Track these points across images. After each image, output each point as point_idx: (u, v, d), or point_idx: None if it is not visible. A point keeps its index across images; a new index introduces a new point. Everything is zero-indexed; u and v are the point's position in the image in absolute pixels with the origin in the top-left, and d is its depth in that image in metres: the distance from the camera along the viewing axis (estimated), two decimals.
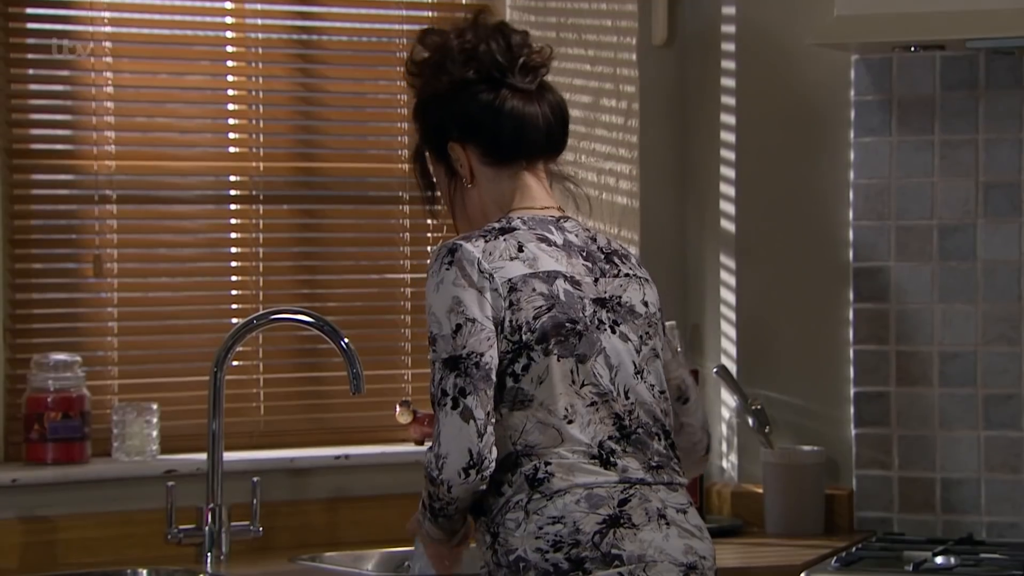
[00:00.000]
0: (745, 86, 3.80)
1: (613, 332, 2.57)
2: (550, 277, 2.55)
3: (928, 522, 3.67)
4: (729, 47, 3.82)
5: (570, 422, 2.51)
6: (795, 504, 3.65)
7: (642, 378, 2.59)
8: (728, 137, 3.82)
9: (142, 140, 3.58)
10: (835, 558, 3.34)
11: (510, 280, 2.52)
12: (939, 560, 3.31)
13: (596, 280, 2.60)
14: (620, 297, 2.61)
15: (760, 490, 3.71)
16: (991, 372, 3.64)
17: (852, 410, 3.73)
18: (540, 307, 2.52)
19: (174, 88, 3.60)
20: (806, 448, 3.71)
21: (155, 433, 3.46)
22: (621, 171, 3.87)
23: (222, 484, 3.31)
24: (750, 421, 3.72)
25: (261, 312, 3.43)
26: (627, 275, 2.63)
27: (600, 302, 2.58)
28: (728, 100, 3.82)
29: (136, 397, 3.50)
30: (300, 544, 3.45)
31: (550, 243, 2.58)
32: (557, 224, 2.61)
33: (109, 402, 3.49)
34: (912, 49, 3.58)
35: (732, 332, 3.81)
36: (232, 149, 3.66)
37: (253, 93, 3.68)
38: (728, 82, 3.82)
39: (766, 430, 3.72)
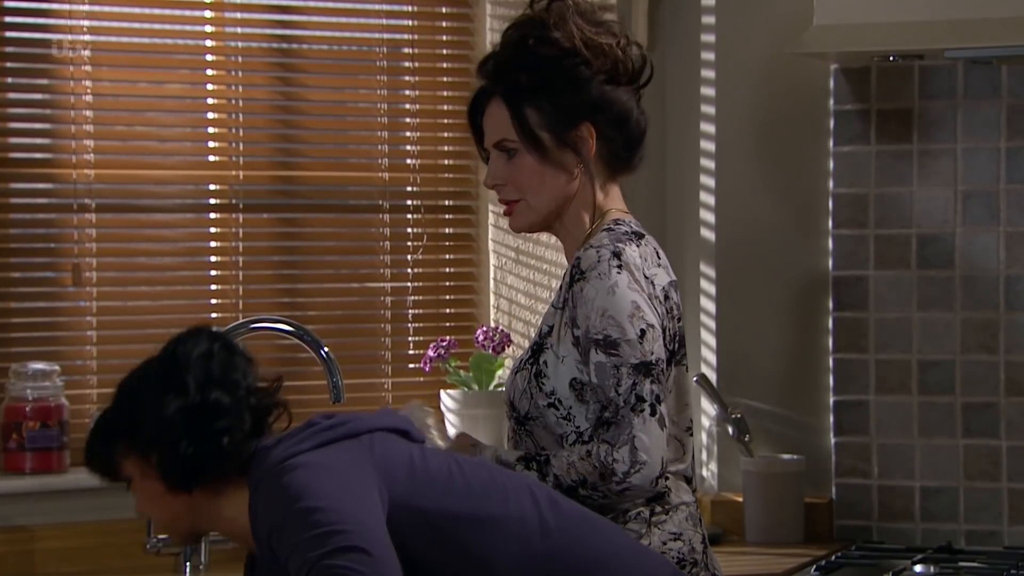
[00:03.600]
0: (725, 95, 3.80)
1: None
2: (675, 285, 2.57)
3: (907, 531, 3.67)
4: (709, 56, 3.82)
5: (692, 434, 2.58)
6: (775, 513, 3.65)
7: None
8: (708, 145, 3.83)
9: (121, 149, 3.57)
10: (815, 567, 3.35)
11: (663, 288, 2.52)
12: (918, 569, 3.32)
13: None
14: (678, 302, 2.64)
15: (740, 499, 3.71)
16: (970, 380, 3.64)
17: (832, 419, 3.74)
18: (676, 316, 2.55)
19: (153, 96, 3.59)
20: (786, 457, 3.72)
21: None
22: None
23: None
24: (730, 430, 3.73)
25: (241, 321, 3.42)
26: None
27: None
28: (708, 108, 3.82)
29: None
30: None
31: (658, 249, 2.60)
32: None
33: (88, 411, 3.47)
34: (891, 59, 3.59)
35: (712, 341, 3.81)
36: (212, 158, 3.65)
37: (233, 102, 3.67)
38: (708, 91, 3.82)
39: (746, 439, 3.72)
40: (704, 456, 3.84)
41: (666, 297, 2.51)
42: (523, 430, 2.55)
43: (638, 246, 2.51)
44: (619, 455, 2.43)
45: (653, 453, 2.43)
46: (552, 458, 2.47)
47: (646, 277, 2.49)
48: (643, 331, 2.45)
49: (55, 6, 3.48)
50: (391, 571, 2.11)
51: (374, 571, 2.09)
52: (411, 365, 3.77)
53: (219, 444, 2.26)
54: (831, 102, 3.74)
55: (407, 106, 3.81)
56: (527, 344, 2.68)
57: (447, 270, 3.85)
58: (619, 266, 2.47)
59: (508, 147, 2.57)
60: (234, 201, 3.65)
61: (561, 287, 2.54)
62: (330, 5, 3.74)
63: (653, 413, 2.44)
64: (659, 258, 2.55)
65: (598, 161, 2.58)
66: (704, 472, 3.84)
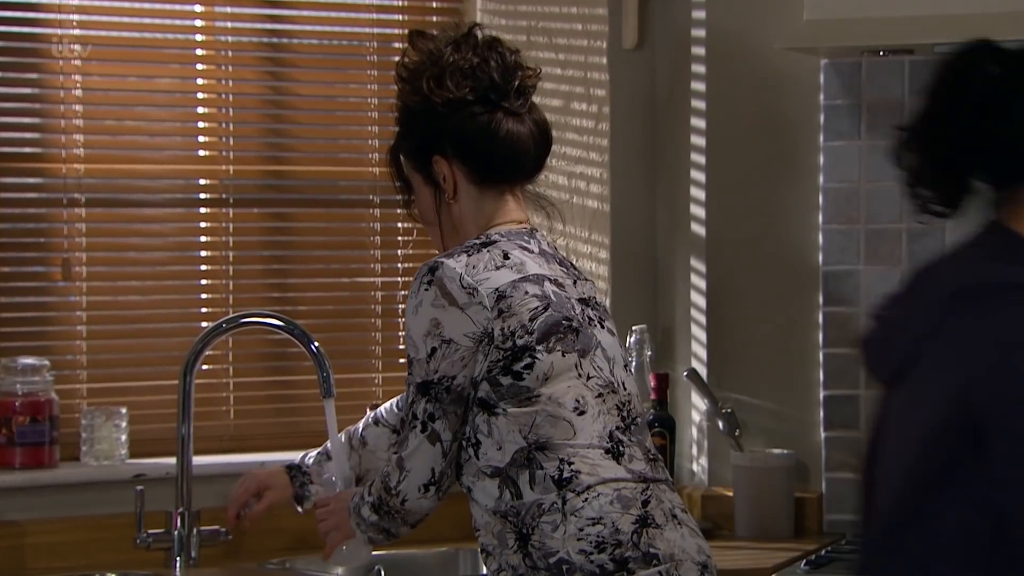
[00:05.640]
0: (715, 90, 3.81)
1: (602, 327, 2.63)
2: (539, 279, 2.58)
3: None
4: (699, 51, 3.82)
5: (581, 413, 2.56)
6: (765, 507, 3.65)
7: (629, 372, 2.67)
8: (698, 141, 3.83)
9: (111, 143, 3.57)
10: (804, 561, 3.35)
11: (497, 289, 2.54)
12: None
13: (575, 283, 2.65)
14: (595, 298, 2.68)
15: (730, 493, 3.71)
16: None
17: (822, 413, 3.74)
18: (536, 308, 2.55)
19: (143, 91, 3.59)
20: (776, 451, 3.72)
21: (124, 437, 3.45)
22: (591, 175, 3.87)
23: (191, 488, 3.30)
24: (720, 424, 3.73)
25: (231, 316, 3.42)
26: (587, 280, 2.71)
27: (583, 301, 2.63)
28: (698, 104, 3.82)
29: (105, 401, 3.49)
30: (270, 548, 3.45)
31: (531, 251, 2.62)
32: (530, 235, 2.67)
33: (78, 406, 3.47)
34: (881, 53, 3.59)
35: (702, 335, 3.81)
36: (202, 152, 3.65)
37: (223, 96, 3.67)
38: (698, 86, 3.82)
39: (736, 433, 3.72)
40: (694, 451, 3.84)
41: (500, 298, 2.53)
42: None
43: (470, 255, 2.56)
44: (391, 468, 2.58)
45: (417, 463, 2.56)
46: (372, 482, 2.64)
47: (466, 286, 2.53)
48: (434, 349, 2.53)
49: (45, 0, 3.48)
50: None
51: None
52: (401, 360, 3.77)
53: None
54: (821, 97, 3.74)
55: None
56: None
57: None
58: (429, 282, 2.55)
59: (401, 189, 2.74)
60: (224, 196, 3.65)
61: None
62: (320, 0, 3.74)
63: (423, 430, 2.55)
64: (507, 259, 2.57)
65: (469, 184, 2.64)
66: (694, 467, 3.84)
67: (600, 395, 2.58)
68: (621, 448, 2.57)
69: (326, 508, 2.75)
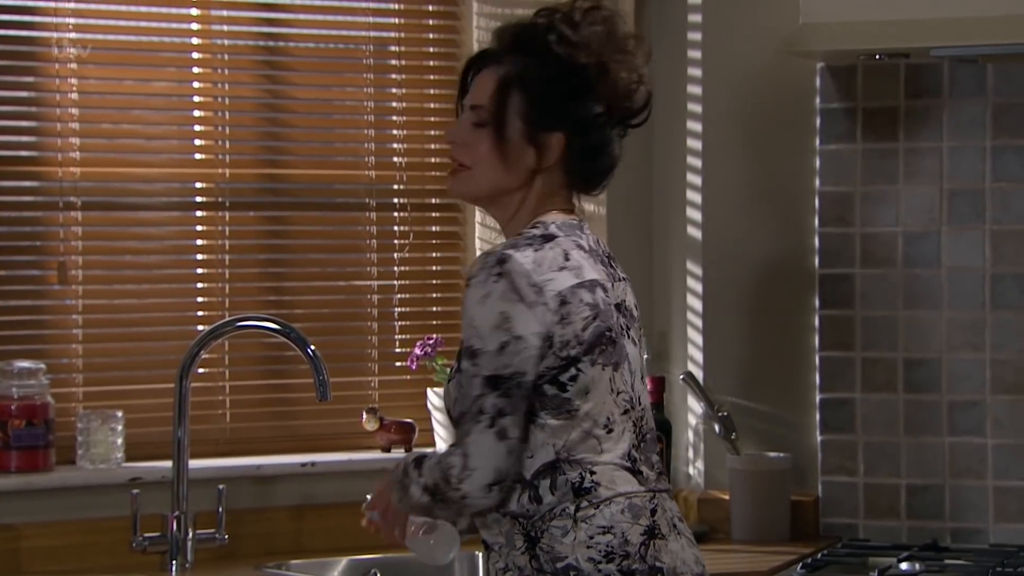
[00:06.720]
0: (711, 93, 3.81)
1: (628, 337, 2.60)
2: (592, 286, 2.55)
3: (893, 528, 3.68)
4: (695, 54, 3.83)
5: (609, 431, 2.54)
6: (761, 510, 3.66)
7: (644, 383, 2.64)
8: (694, 144, 3.83)
9: (107, 147, 3.57)
10: (801, 564, 3.35)
11: (560, 293, 2.50)
12: (904, 566, 3.33)
13: (612, 284, 2.61)
14: (625, 301, 2.63)
15: (726, 497, 3.71)
16: (956, 379, 3.65)
17: (818, 416, 3.75)
18: (587, 318, 2.52)
19: (140, 95, 3.59)
20: (772, 454, 3.72)
21: (120, 441, 3.45)
22: None
23: (187, 492, 3.30)
24: (716, 428, 3.73)
25: (227, 319, 3.42)
26: (623, 278, 2.65)
27: (618, 307, 2.60)
28: (694, 107, 3.83)
29: (101, 404, 3.48)
30: (266, 552, 3.45)
31: (584, 249, 2.58)
32: (580, 228, 2.62)
33: (74, 409, 3.47)
34: (877, 57, 3.60)
35: (698, 339, 3.82)
36: (198, 156, 3.65)
37: (219, 100, 3.67)
38: (694, 89, 3.82)
39: (732, 437, 3.73)
40: (691, 454, 3.85)
41: (562, 303, 2.50)
42: None
43: (536, 250, 2.52)
44: (455, 460, 2.50)
45: (484, 462, 2.48)
46: (425, 459, 2.55)
47: (533, 284, 2.49)
48: (504, 343, 2.47)
49: (41, 4, 3.48)
50: None
51: None
52: (397, 363, 3.77)
53: None
54: (817, 100, 3.74)
55: (394, 104, 3.80)
56: None
57: (433, 268, 3.84)
58: (499, 274, 2.49)
59: (482, 116, 2.59)
60: (220, 199, 3.65)
61: None
62: (317, 3, 3.74)
63: (491, 426, 2.48)
64: (567, 260, 2.54)
65: (557, 171, 2.60)
66: (690, 470, 3.85)
67: (625, 411, 2.57)
68: (636, 465, 2.56)
69: (376, 495, 2.66)
